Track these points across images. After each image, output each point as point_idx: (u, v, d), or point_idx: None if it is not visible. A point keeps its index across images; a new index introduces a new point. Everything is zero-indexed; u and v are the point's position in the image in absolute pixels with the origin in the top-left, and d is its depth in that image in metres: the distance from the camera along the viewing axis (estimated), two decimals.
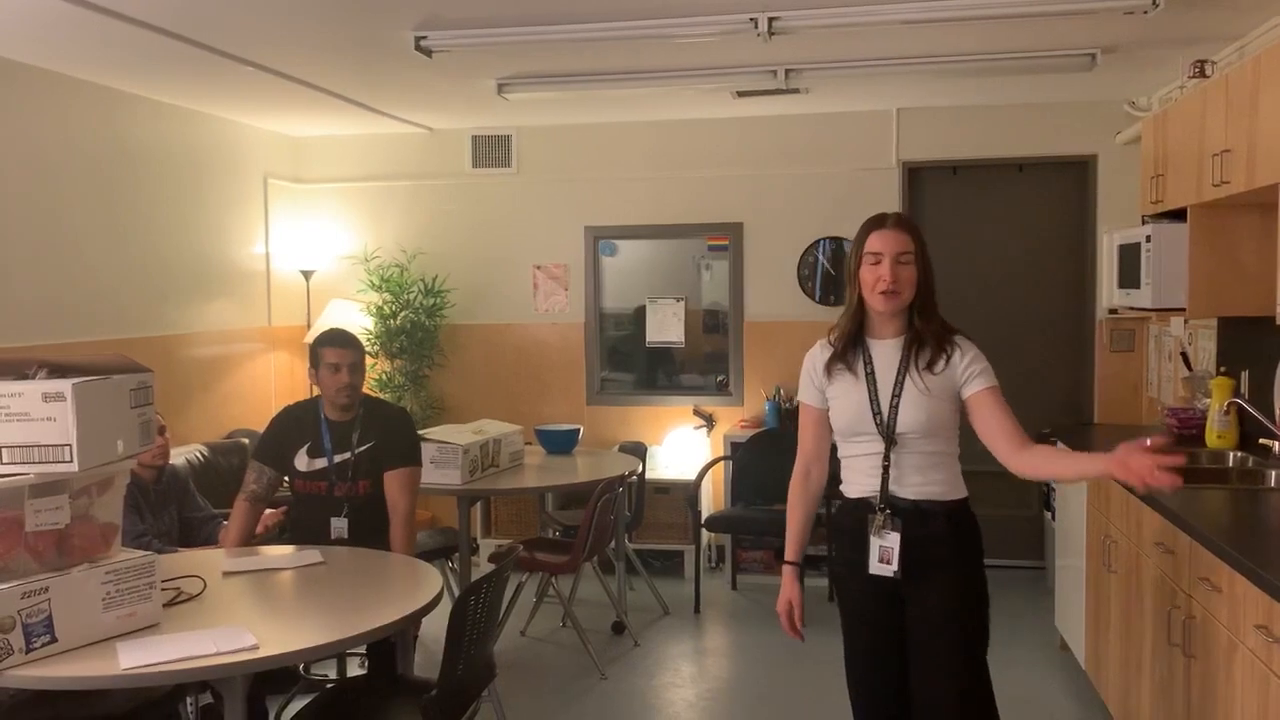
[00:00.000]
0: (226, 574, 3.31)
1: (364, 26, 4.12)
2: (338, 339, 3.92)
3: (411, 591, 3.10)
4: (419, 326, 6.49)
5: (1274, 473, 3.61)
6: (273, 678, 3.42)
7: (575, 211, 6.57)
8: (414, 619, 2.96)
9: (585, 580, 5.54)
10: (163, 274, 5.60)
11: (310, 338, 6.56)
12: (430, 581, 3.18)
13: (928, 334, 2.68)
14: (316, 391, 3.99)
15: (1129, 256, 4.56)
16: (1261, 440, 3.84)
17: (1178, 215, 4.18)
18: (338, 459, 3.86)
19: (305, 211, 6.79)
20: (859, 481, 2.75)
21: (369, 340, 6.46)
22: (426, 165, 6.70)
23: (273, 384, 6.49)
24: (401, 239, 6.66)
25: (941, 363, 2.67)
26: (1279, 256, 3.22)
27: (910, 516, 2.66)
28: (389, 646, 3.27)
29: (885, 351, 2.71)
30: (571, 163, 6.56)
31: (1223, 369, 4.39)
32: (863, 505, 2.71)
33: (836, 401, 2.75)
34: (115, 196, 5.25)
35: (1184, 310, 4.13)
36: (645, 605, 5.60)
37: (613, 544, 5.22)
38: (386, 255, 6.62)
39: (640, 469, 5.50)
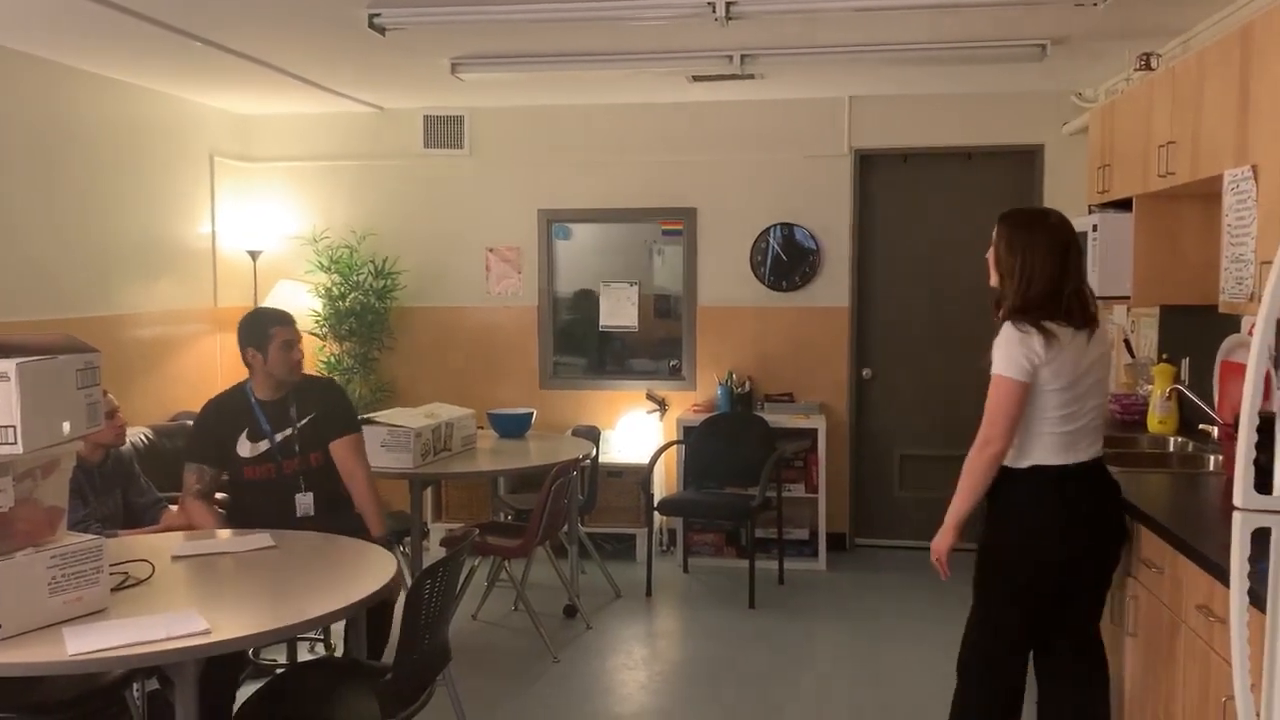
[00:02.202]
0: (176, 558, 3.26)
1: (316, 2, 4.05)
2: (286, 317, 3.94)
3: (365, 575, 3.07)
4: (369, 309, 6.42)
5: (1213, 457, 3.71)
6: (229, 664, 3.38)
7: (528, 194, 6.53)
8: (367, 603, 2.95)
9: (538, 564, 5.54)
10: (105, 253, 5.47)
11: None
12: (384, 565, 3.15)
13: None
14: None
15: None
16: (1201, 426, 3.94)
17: (1123, 205, 4.26)
18: (280, 437, 3.85)
19: (253, 190, 6.67)
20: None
21: (317, 322, 6.39)
22: (377, 145, 6.62)
23: (219, 365, 6.38)
24: (351, 220, 6.58)
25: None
26: (1221, 247, 3.30)
27: None
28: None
29: None
30: (525, 145, 6.52)
31: (1164, 356, 4.49)
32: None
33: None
34: (56, 173, 5.12)
35: (1128, 298, 4.21)
36: (597, 588, 5.62)
37: (565, 527, 5.23)
38: (336, 236, 6.53)
39: (593, 453, 5.50)
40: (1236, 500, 1.73)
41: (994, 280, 2.95)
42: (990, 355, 2.86)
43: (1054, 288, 2.86)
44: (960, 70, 5.42)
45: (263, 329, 3.87)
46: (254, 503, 3.87)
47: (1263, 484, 1.77)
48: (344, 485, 3.88)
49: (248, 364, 3.93)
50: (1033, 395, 2.82)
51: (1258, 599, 1.79)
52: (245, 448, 3.85)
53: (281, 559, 3.32)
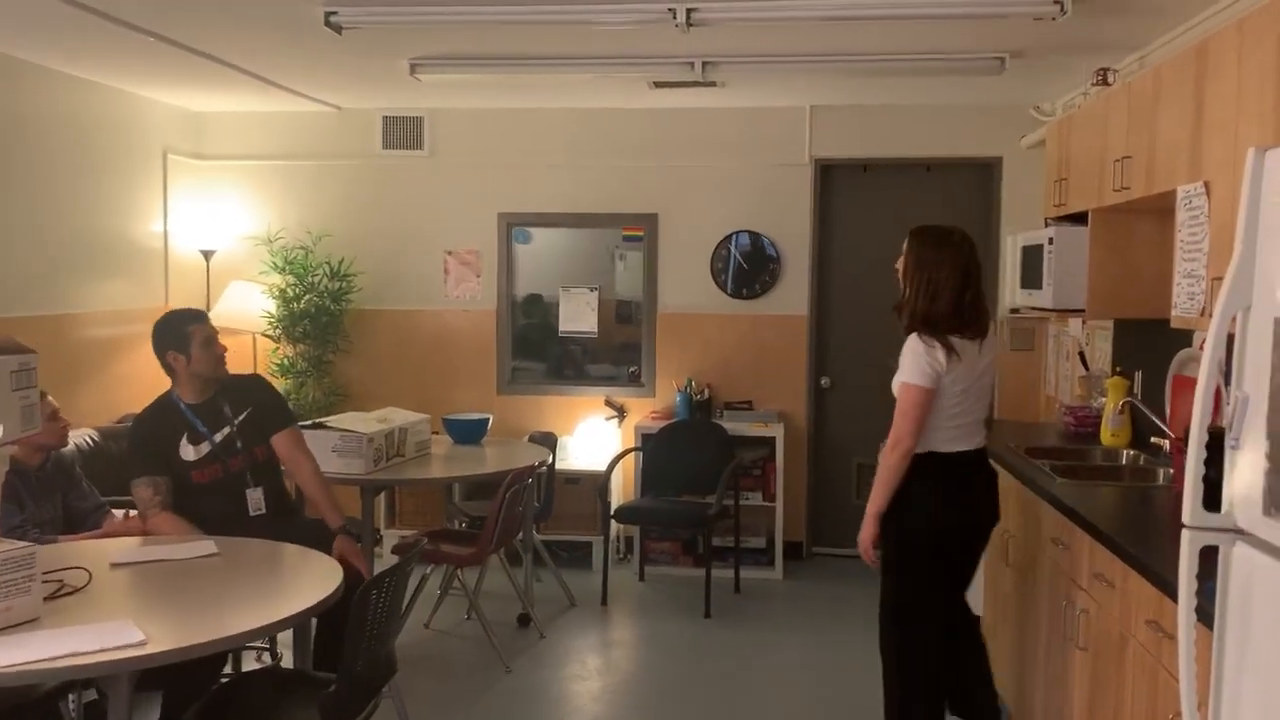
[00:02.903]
0: (115, 565, 3.18)
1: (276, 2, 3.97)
2: (200, 314, 3.94)
3: (310, 585, 3.01)
4: (323, 311, 6.33)
5: (1164, 470, 3.73)
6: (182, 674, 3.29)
7: (489, 197, 6.47)
8: (311, 614, 2.88)
9: (491, 572, 5.47)
10: (54, 250, 5.35)
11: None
12: (330, 574, 3.09)
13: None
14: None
15: (1031, 258, 4.67)
16: (1153, 439, 3.97)
17: (1079, 218, 4.28)
18: (219, 437, 3.80)
19: (207, 189, 6.56)
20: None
21: (271, 324, 6.28)
22: (335, 145, 6.53)
23: None
24: (307, 220, 6.48)
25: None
26: (1175, 261, 3.33)
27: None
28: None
29: None
30: (486, 147, 6.46)
31: (1118, 369, 4.52)
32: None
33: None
34: (6, 170, 4.99)
35: (1083, 311, 4.24)
36: (552, 597, 5.56)
37: (520, 535, 5.17)
38: (291, 237, 6.43)
39: (550, 459, 5.45)
40: (1186, 518, 1.72)
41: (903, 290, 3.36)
42: (899, 362, 3.29)
43: (956, 301, 3.29)
44: (920, 82, 5.44)
45: (180, 329, 3.82)
46: (206, 507, 3.78)
47: (1212, 500, 1.77)
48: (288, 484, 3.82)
49: (169, 368, 3.86)
50: (934, 397, 3.25)
51: (1206, 616, 1.78)
52: (189, 451, 3.78)
53: (225, 567, 3.24)
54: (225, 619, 2.78)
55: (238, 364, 6.42)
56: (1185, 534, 1.73)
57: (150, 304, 6.10)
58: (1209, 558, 1.78)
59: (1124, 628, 2.67)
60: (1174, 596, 2.31)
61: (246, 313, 6.28)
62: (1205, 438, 1.69)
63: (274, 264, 6.33)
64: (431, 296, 6.53)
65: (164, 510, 3.72)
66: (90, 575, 2.97)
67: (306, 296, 6.31)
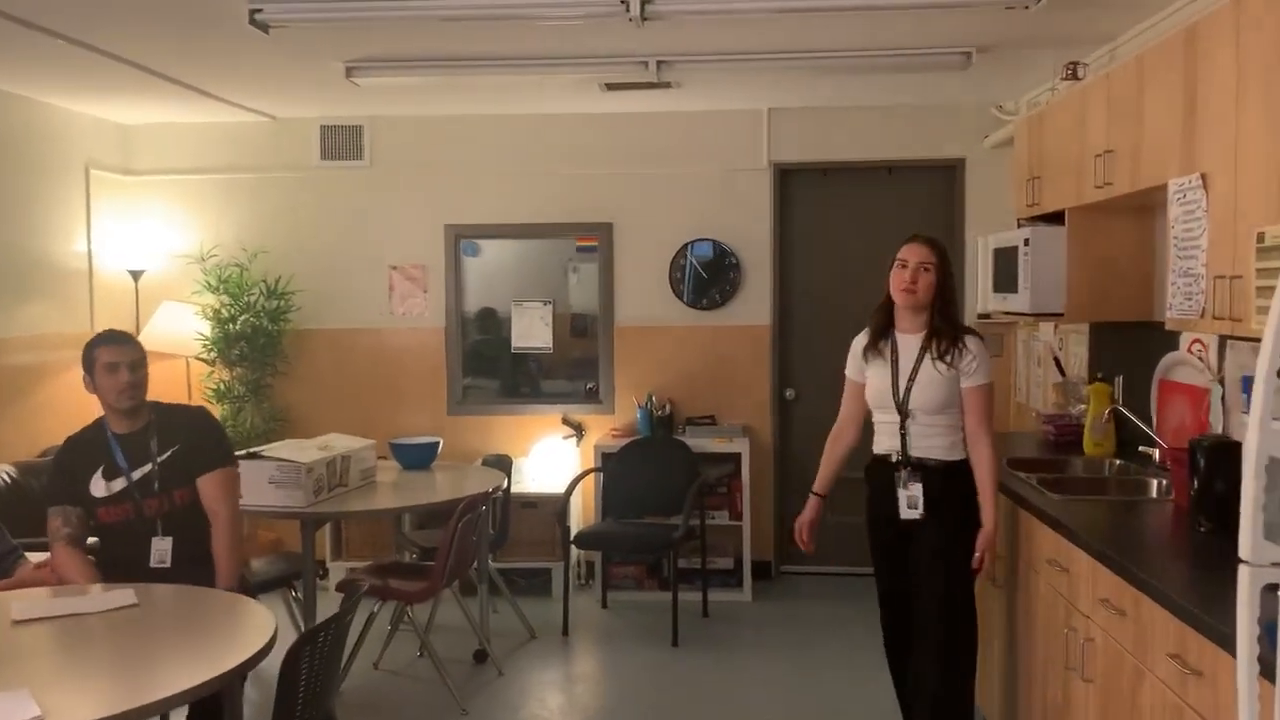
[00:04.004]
0: (17, 622, 2.84)
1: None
2: (111, 337, 3.51)
3: (237, 639, 2.69)
4: (261, 331, 5.98)
5: (1157, 481, 3.53)
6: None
7: (434, 209, 6.17)
8: (238, 674, 2.57)
9: (445, 604, 5.15)
10: None
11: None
12: (260, 625, 2.78)
13: (945, 332, 3.33)
14: (97, 409, 3.54)
15: (1005, 260, 4.47)
16: (1141, 448, 3.77)
17: (1054, 218, 4.09)
18: (138, 475, 3.43)
19: (134, 206, 6.18)
20: (882, 443, 3.44)
21: (205, 346, 5.93)
22: (270, 157, 6.19)
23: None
24: (242, 237, 6.13)
25: (951, 356, 3.31)
26: (1166, 260, 3.13)
27: (924, 471, 3.34)
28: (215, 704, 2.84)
29: (909, 343, 3.37)
30: (430, 157, 6.16)
31: (1099, 375, 4.33)
32: (884, 461, 3.41)
33: (869, 380, 3.46)
34: None
35: (1060, 315, 4.05)
36: (510, 629, 5.25)
37: (475, 565, 4.86)
38: (225, 254, 6.08)
39: (505, 484, 5.16)
40: (1244, 552, 1.49)
41: (921, 298, 3.34)
42: (976, 365, 3.31)
43: None
44: (881, 81, 5.24)
45: (88, 352, 3.46)
46: (111, 551, 3.44)
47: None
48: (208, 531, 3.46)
49: (92, 393, 3.51)
50: None
51: (1267, 668, 1.54)
52: (99, 486, 3.42)
53: (144, 619, 2.92)
54: (143, 682, 2.46)
55: (170, 390, 6.07)
56: (1244, 571, 1.50)
57: (74, 328, 5.71)
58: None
59: (1139, 660, 2.44)
60: (1198, 628, 2.09)
61: (179, 335, 5.93)
62: (1266, 460, 1.45)
63: (207, 283, 5.98)
64: (375, 314, 6.21)
65: (69, 545, 3.37)
66: None
67: (242, 317, 5.97)
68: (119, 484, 3.43)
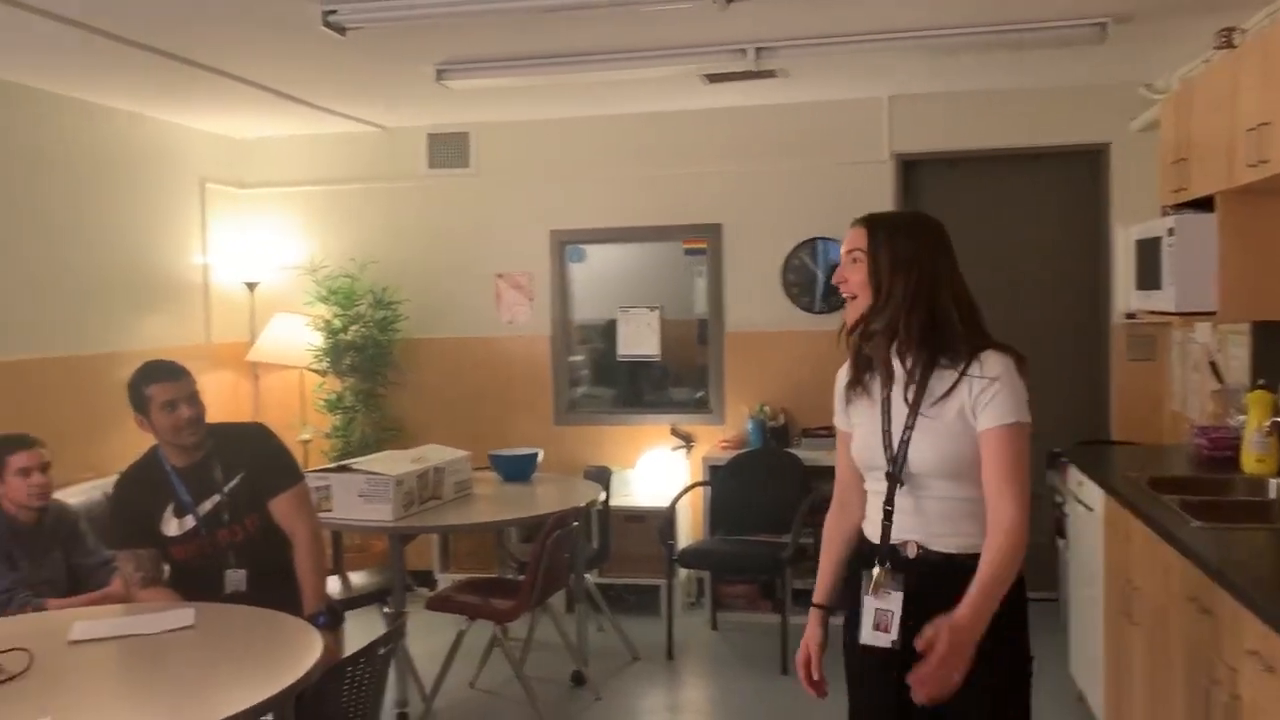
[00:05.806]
0: (74, 643, 2.78)
1: (264, 2, 3.58)
2: (163, 371, 3.28)
3: (294, 659, 2.56)
4: (371, 341, 5.95)
5: None
6: None
7: (539, 215, 6.03)
8: (282, 699, 2.43)
9: (547, 621, 4.96)
10: (86, 287, 5.10)
11: (252, 354, 6.06)
12: (307, 649, 2.63)
13: (908, 349, 2.17)
14: (149, 439, 3.37)
15: (1148, 253, 3.99)
16: None
17: (1203, 205, 3.61)
18: (206, 508, 3.28)
19: (248, 218, 6.27)
20: (869, 523, 2.28)
21: (316, 357, 5.94)
22: (379, 167, 6.18)
23: (213, 406, 5.91)
24: (351, 247, 6.12)
25: (946, 384, 2.14)
26: None
27: (919, 573, 2.15)
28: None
29: (904, 373, 2.20)
30: (534, 162, 6.02)
31: (1261, 381, 3.80)
32: (870, 552, 2.24)
33: (855, 429, 2.30)
34: (33, 203, 4.79)
35: (1214, 314, 3.56)
36: (613, 649, 5.03)
37: (571, 583, 4.66)
38: (335, 265, 6.08)
39: (604, 497, 4.94)
40: None
41: (865, 298, 2.23)
42: (990, 395, 2.09)
43: None
44: (1011, 60, 4.79)
45: (138, 391, 3.25)
46: (182, 582, 3.31)
47: None
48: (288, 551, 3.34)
49: (147, 431, 3.34)
50: None
51: None
52: (172, 526, 3.27)
53: (199, 642, 2.82)
54: (192, 706, 2.35)
55: (284, 400, 6.14)
56: None
57: (192, 340, 5.83)
58: None
59: None
60: None
61: (291, 346, 5.96)
62: None
63: (318, 294, 5.99)
64: (483, 323, 6.10)
65: (150, 587, 3.24)
66: (31, 658, 2.57)
67: (353, 327, 5.95)
68: (189, 521, 3.28)
